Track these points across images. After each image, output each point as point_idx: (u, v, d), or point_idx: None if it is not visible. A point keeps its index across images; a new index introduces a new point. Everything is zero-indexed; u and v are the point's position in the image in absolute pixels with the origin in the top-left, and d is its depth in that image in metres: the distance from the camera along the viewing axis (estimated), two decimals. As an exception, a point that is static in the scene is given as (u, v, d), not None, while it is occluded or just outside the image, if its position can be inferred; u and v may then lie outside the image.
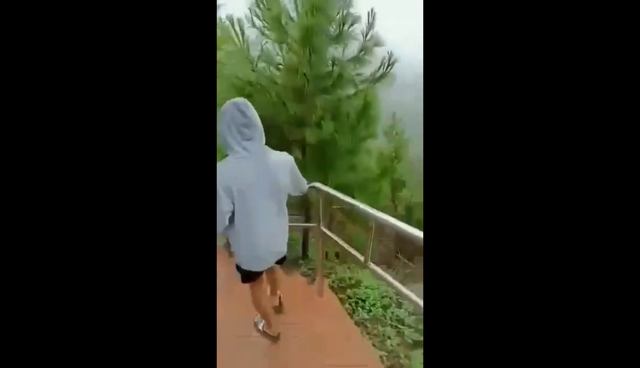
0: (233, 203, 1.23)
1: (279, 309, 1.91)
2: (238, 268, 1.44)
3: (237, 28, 2.80)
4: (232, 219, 1.27)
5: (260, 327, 1.80)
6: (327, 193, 1.93)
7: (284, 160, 1.35)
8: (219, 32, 2.81)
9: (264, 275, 1.60)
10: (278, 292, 1.90)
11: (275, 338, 1.76)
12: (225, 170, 1.21)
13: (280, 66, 2.92)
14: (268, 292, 1.85)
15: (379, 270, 1.69)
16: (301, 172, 1.45)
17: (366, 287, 2.55)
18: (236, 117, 1.22)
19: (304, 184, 1.52)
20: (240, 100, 1.25)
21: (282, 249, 1.47)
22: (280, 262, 1.55)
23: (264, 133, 1.29)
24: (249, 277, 1.48)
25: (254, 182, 1.24)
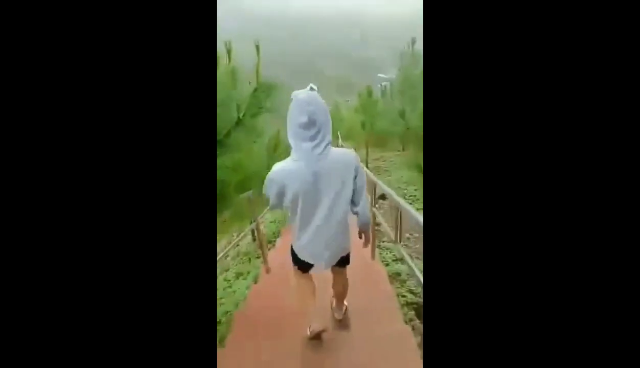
0: (284, 200, 1.24)
1: (342, 323, 1.73)
2: (293, 254, 1.44)
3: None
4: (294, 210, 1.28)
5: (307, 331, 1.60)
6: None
7: (344, 161, 1.23)
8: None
9: (330, 276, 1.60)
10: (345, 304, 1.76)
11: (313, 335, 1.57)
12: (281, 172, 1.20)
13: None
14: (333, 302, 1.78)
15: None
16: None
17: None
18: (295, 116, 1.14)
19: (363, 197, 1.34)
20: (305, 97, 1.15)
21: (335, 253, 1.39)
22: (342, 263, 1.48)
23: (328, 131, 1.19)
24: (300, 265, 1.45)
25: (307, 187, 1.20)
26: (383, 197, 4.15)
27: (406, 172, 6.24)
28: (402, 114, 6.55)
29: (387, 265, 2.84)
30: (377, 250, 2.83)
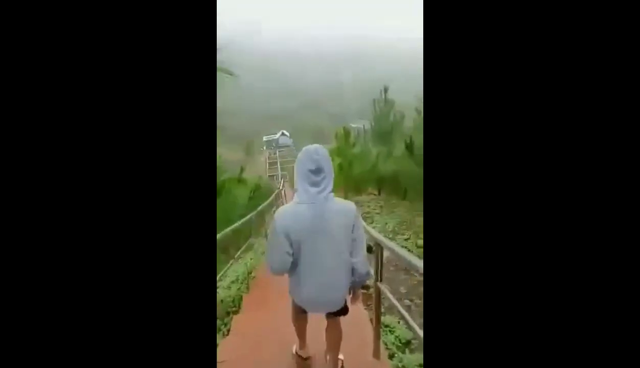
0: (292, 246, 1.28)
1: None
2: (293, 301, 1.49)
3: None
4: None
5: (293, 349, 1.81)
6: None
7: (345, 210, 1.32)
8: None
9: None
10: (340, 357, 1.63)
11: (305, 362, 1.74)
12: (284, 216, 1.29)
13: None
14: (327, 356, 1.68)
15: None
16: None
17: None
18: (305, 162, 1.28)
19: (362, 250, 1.35)
20: (313, 147, 1.32)
21: (334, 300, 1.39)
22: (340, 313, 1.47)
23: (331, 179, 1.31)
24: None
25: (309, 230, 1.26)
26: (370, 249, 3.35)
27: (392, 220, 5.58)
28: (377, 158, 6.35)
29: (391, 356, 1.98)
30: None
